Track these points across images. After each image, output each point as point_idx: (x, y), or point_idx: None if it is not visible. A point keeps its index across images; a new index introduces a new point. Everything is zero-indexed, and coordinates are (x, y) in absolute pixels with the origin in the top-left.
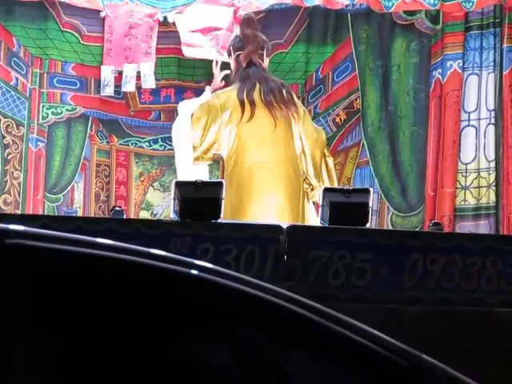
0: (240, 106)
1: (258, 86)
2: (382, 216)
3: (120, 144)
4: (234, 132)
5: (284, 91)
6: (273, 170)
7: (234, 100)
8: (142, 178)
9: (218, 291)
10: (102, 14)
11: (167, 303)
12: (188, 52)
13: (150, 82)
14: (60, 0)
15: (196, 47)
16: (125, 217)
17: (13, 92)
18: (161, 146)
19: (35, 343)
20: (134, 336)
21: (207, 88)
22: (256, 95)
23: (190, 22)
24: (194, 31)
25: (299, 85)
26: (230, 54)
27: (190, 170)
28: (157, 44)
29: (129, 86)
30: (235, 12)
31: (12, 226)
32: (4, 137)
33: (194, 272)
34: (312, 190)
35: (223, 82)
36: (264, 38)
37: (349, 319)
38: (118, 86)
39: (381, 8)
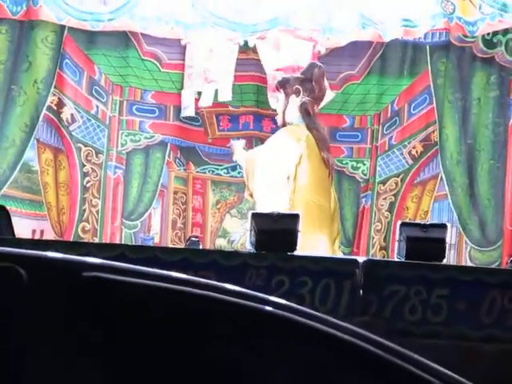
0: (315, 150)
1: (323, 135)
2: (460, 250)
3: (197, 172)
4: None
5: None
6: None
7: (313, 144)
8: (218, 206)
9: (293, 329)
10: (183, 42)
11: (239, 339)
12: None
13: (226, 96)
14: (142, 32)
15: None
16: (201, 246)
17: (93, 120)
18: (239, 172)
19: (112, 375)
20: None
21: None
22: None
23: (273, 56)
24: (278, 69)
25: (368, 116)
26: (296, 93)
27: (275, 200)
28: (236, 71)
29: (206, 102)
30: (314, 47)
31: (89, 259)
32: (84, 165)
33: (269, 308)
34: None
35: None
36: None
37: (422, 359)
38: (197, 112)
39: (464, 33)
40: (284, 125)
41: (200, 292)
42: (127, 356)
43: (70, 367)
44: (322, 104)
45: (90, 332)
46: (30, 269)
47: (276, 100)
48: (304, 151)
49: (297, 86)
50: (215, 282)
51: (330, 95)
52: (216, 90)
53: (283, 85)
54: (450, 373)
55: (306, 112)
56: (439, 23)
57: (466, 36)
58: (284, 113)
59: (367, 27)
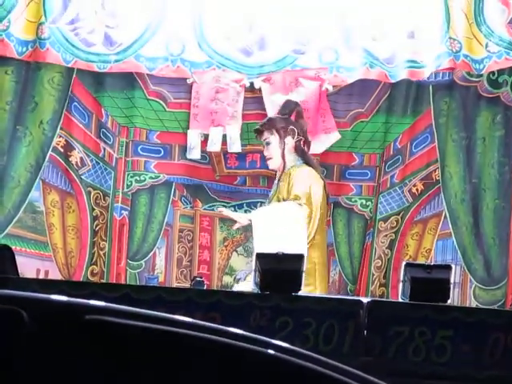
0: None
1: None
2: (464, 289)
3: (204, 209)
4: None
5: None
6: None
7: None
8: (225, 243)
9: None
10: (189, 81)
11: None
12: None
13: (236, 146)
14: (148, 72)
15: None
16: (207, 284)
17: (101, 163)
18: (245, 211)
19: None
20: None
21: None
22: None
23: (277, 99)
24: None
25: (377, 155)
26: (292, 134)
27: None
28: (243, 109)
29: (214, 147)
30: (320, 86)
31: (92, 302)
32: (93, 209)
33: (271, 352)
34: None
35: None
36: None
37: None
38: (203, 151)
39: (470, 70)
40: (284, 169)
41: (204, 335)
42: None
43: None
44: (329, 144)
45: (91, 376)
46: (32, 312)
47: (264, 144)
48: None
49: (291, 127)
50: (221, 326)
51: (336, 136)
52: (224, 135)
53: (274, 126)
54: None
55: (302, 152)
56: (444, 62)
57: (471, 75)
58: (283, 156)
59: (375, 66)
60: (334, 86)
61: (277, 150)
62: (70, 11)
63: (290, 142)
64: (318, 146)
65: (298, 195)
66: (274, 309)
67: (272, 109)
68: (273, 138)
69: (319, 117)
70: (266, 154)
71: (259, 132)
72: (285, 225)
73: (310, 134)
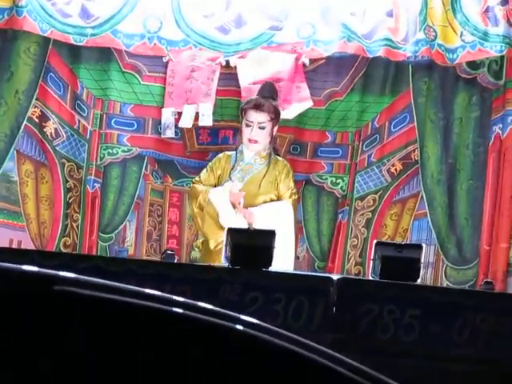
0: None
1: None
2: (437, 268)
3: (174, 185)
4: None
5: None
6: None
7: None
8: None
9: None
10: (165, 59)
11: (209, 357)
12: None
13: (207, 121)
14: (125, 49)
15: None
16: (176, 259)
17: (76, 135)
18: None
19: None
20: None
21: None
22: None
23: (252, 70)
24: (254, 83)
25: (350, 133)
26: (276, 117)
27: None
28: (218, 86)
29: (186, 124)
30: (297, 59)
31: (61, 273)
32: (67, 181)
33: (239, 327)
34: None
35: None
36: None
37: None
38: (177, 127)
39: (444, 61)
40: (269, 158)
41: (170, 309)
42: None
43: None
44: (301, 110)
45: (55, 346)
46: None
47: (256, 126)
48: None
49: (279, 115)
50: (189, 300)
51: (309, 103)
52: (197, 113)
53: (274, 113)
54: None
55: (275, 141)
56: (422, 50)
57: (446, 64)
58: (271, 144)
59: (352, 40)
60: (310, 60)
61: (267, 137)
62: None
63: (275, 131)
64: (291, 111)
65: (293, 187)
66: (244, 284)
67: (246, 82)
68: (268, 124)
69: (294, 88)
70: (252, 135)
71: (257, 110)
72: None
73: (283, 102)
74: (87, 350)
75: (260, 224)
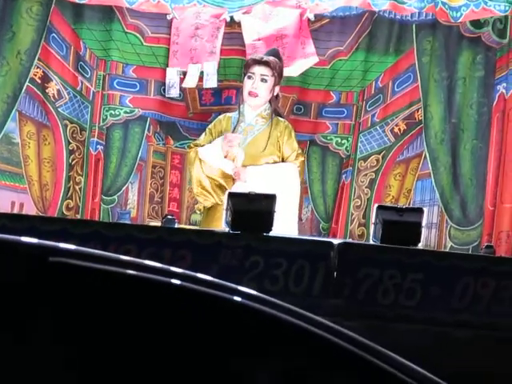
0: None
1: None
2: (441, 229)
3: (176, 147)
4: None
5: None
6: None
7: None
8: None
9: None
10: (169, 17)
11: (207, 329)
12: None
13: (212, 82)
14: (128, 6)
15: None
16: (177, 223)
17: (79, 97)
18: None
19: (74, 364)
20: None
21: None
22: None
23: (256, 25)
24: (259, 39)
25: (354, 93)
26: (279, 76)
27: None
28: (222, 45)
29: (191, 84)
30: (301, 15)
31: (59, 244)
32: (70, 143)
33: (237, 298)
34: None
35: None
36: None
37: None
38: (180, 88)
39: (447, 19)
40: (271, 117)
41: (172, 281)
42: (91, 345)
43: (32, 356)
44: (307, 67)
45: (48, 318)
46: None
47: (258, 78)
48: None
49: (281, 74)
50: (187, 271)
51: (314, 59)
52: (201, 72)
53: (278, 68)
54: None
55: (277, 101)
56: (427, 7)
57: (450, 22)
58: (271, 102)
59: None
60: (315, 18)
61: (268, 92)
62: None
63: (276, 91)
64: (296, 68)
65: (297, 148)
66: (244, 248)
67: (250, 38)
68: (270, 79)
69: (299, 44)
70: (253, 88)
71: (260, 63)
72: (280, 188)
73: (287, 59)
74: (82, 323)
75: (261, 185)
